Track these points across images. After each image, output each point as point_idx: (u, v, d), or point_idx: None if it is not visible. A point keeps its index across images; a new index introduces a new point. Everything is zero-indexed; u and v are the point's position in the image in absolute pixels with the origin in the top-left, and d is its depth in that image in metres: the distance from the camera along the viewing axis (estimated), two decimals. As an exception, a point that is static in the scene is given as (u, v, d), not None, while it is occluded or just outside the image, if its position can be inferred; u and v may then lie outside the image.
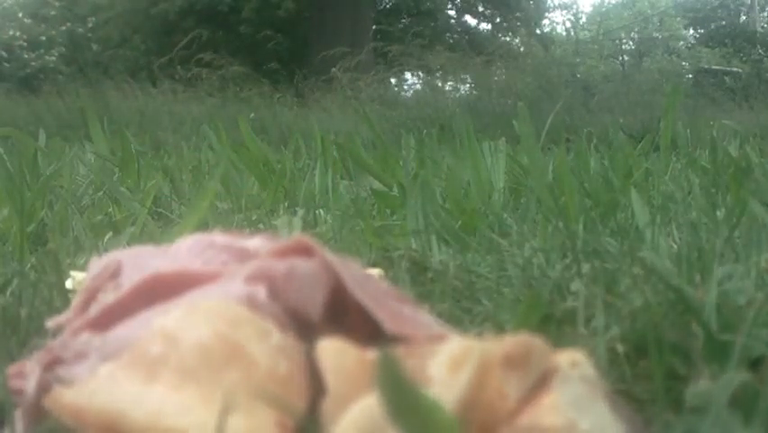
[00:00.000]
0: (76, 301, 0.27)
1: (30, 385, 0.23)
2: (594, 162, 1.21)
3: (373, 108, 3.26)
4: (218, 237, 0.27)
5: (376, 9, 8.32)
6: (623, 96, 3.82)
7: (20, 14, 8.53)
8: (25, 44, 8.17)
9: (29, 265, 0.50)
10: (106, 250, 0.53)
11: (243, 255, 0.26)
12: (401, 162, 1.17)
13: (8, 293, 0.44)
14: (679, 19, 13.25)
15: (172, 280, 0.24)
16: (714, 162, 1.06)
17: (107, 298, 0.25)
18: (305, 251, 0.24)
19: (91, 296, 0.26)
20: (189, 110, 3.34)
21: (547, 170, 0.95)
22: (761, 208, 0.63)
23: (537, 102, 2.55)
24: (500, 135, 1.26)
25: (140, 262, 0.27)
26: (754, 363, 0.30)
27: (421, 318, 0.24)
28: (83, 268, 0.40)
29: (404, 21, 8.98)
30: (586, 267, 0.41)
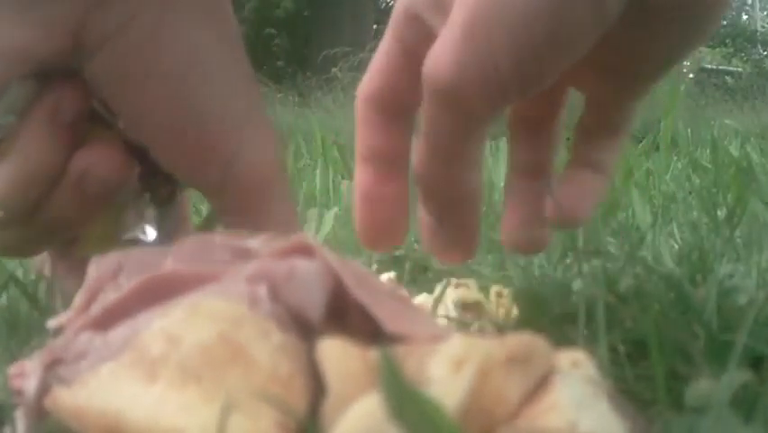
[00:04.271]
0: (77, 301, 0.27)
1: (30, 385, 0.23)
2: (595, 162, 1.20)
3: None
4: (219, 237, 0.27)
5: (377, 8, 8.32)
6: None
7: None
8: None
9: (30, 265, 0.50)
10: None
11: (244, 255, 0.26)
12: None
13: (9, 293, 0.44)
14: (680, 18, 13.22)
15: (173, 281, 0.24)
16: (715, 162, 1.06)
17: (108, 298, 0.25)
18: (305, 251, 0.24)
19: (92, 296, 0.26)
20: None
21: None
22: (762, 208, 0.63)
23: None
24: (501, 135, 1.26)
25: (141, 262, 0.27)
26: (756, 363, 0.30)
27: (421, 318, 0.24)
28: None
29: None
30: (587, 267, 0.41)
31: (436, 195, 0.36)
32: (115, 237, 0.38)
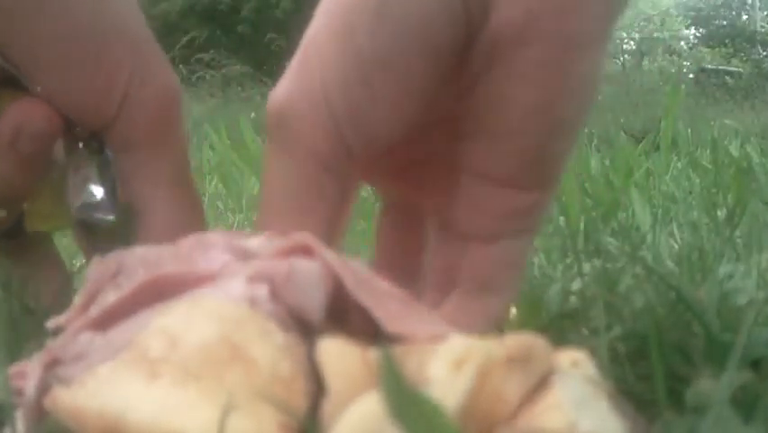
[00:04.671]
0: (77, 301, 0.27)
1: (30, 385, 0.23)
2: (595, 162, 1.21)
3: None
4: (219, 237, 0.27)
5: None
6: (624, 95, 3.83)
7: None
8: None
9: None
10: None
11: (245, 255, 0.26)
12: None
13: (8, 293, 0.44)
14: (680, 18, 13.25)
15: (173, 281, 0.24)
16: (715, 162, 1.06)
17: (108, 298, 0.25)
18: (306, 251, 0.24)
19: (92, 296, 0.26)
20: (190, 109, 3.34)
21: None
22: (762, 208, 0.63)
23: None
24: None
25: (141, 262, 0.27)
26: (755, 363, 0.30)
27: (422, 318, 0.24)
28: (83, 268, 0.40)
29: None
30: (587, 267, 0.41)
31: None
32: (65, 210, 0.37)
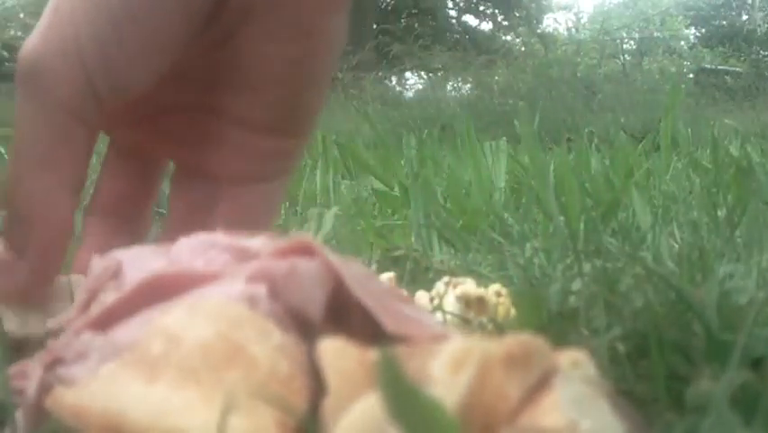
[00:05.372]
0: (77, 301, 0.27)
1: (31, 385, 0.23)
2: (595, 162, 1.21)
3: (374, 108, 3.26)
4: (219, 237, 0.27)
5: (377, 7, 8.31)
6: (624, 95, 3.82)
7: (21, 15, 8.56)
8: (26, 44, 8.17)
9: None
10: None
11: (245, 255, 0.26)
12: (402, 162, 1.17)
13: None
14: (680, 18, 13.25)
15: (174, 281, 0.24)
16: (715, 162, 1.06)
17: (108, 298, 0.25)
18: (306, 251, 0.24)
19: (92, 296, 0.26)
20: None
21: (548, 170, 0.95)
22: (762, 208, 0.63)
23: (538, 102, 2.55)
24: (501, 135, 1.26)
25: (141, 262, 0.27)
26: (755, 363, 0.30)
27: (422, 318, 0.24)
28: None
29: (404, 19, 8.98)
30: (587, 267, 0.41)
31: (20, 214, 0.31)
32: None
